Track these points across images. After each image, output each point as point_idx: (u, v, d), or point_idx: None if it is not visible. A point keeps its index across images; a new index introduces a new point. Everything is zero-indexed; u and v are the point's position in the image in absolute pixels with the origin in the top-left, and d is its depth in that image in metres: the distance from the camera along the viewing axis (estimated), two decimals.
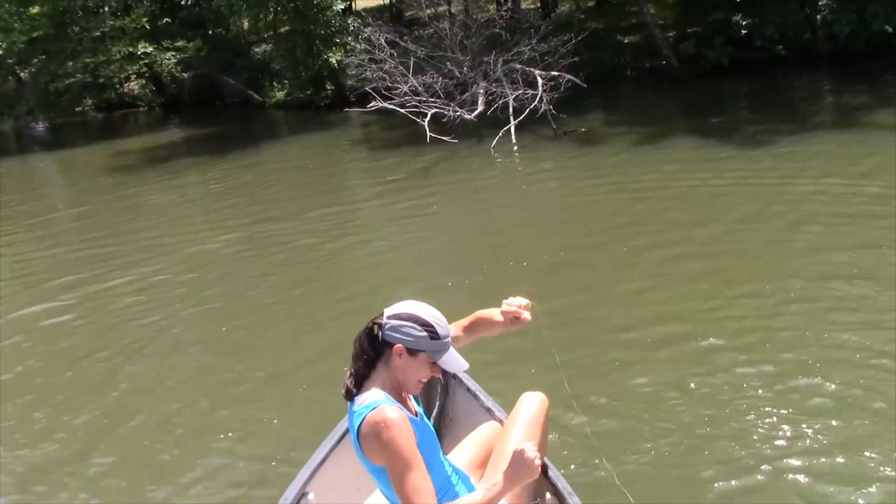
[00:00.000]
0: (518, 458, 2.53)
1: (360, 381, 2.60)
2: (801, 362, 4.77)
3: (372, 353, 2.60)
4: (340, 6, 18.78)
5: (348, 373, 2.64)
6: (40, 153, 21.51)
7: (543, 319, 3.13)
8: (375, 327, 2.60)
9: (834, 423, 4.15)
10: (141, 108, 26.61)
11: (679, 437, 4.18)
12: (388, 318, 2.59)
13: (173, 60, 20.46)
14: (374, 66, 14.18)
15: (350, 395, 2.61)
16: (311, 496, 3.05)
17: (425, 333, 2.55)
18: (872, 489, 3.64)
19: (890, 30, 14.62)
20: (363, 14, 18.17)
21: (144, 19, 19.51)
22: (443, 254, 8.08)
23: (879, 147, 9.53)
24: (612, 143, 12.07)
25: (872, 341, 4.90)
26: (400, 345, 2.55)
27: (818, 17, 15.60)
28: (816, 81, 15.28)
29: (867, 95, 13.04)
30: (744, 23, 16.30)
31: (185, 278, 8.20)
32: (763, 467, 3.85)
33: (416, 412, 2.72)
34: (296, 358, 5.80)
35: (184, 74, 23.35)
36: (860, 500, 3.58)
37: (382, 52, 14.11)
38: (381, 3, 27.08)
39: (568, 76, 13.12)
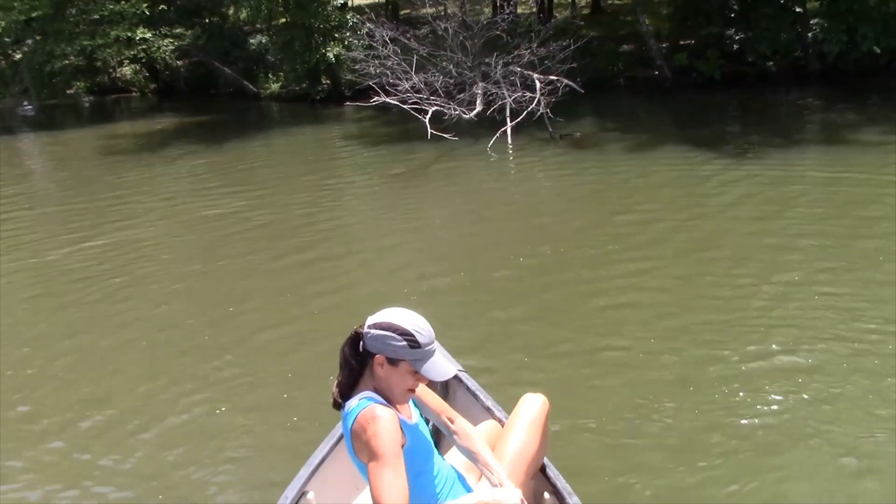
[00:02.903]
0: (504, 493, 2.63)
1: (345, 392, 2.60)
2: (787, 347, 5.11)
3: (355, 362, 2.59)
4: (340, 1, 18.93)
5: (335, 382, 2.64)
6: (30, 133, 21.49)
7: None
8: (358, 337, 2.59)
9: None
10: (133, 94, 26.58)
11: (682, 436, 4.28)
12: (369, 327, 2.56)
13: (170, 47, 20.47)
14: (376, 61, 14.34)
15: (337, 406, 2.62)
16: (310, 495, 3.06)
17: (405, 343, 2.50)
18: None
19: (878, 51, 14.99)
20: (366, 10, 18.27)
21: (144, 5, 19.51)
22: (436, 249, 8.24)
23: (864, 162, 9.90)
24: (605, 149, 12.35)
25: (847, 339, 5.20)
26: (381, 355, 2.53)
27: (809, 35, 15.96)
28: (805, 98, 15.58)
29: (854, 113, 13.38)
30: (737, 37, 16.63)
31: (170, 255, 8.49)
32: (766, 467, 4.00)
33: (410, 416, 2.70)
34: (294, 354, 5.78)
35: (178, 62, 23.35)
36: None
37: (385, 48, 14.28)
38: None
39: (566, 81, 13.36)
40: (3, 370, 5.82)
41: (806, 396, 4.56)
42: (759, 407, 4.50)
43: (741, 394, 4.65)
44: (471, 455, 2.89)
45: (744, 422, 4.38)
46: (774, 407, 4.49)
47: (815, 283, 6.23)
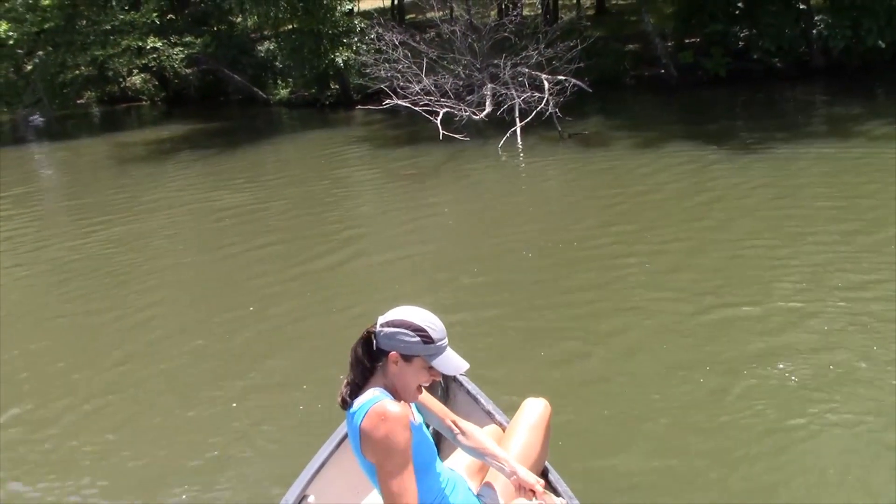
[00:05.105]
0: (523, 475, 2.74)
1: (355, 391, 2.61)
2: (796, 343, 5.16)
3: (368, 361, 2.61)
4: (348, 6, 19.13)
5: (344, 382, 2.64)
6: (43, 143, 21.75)
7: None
8: (370, 336, 2.61)
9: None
10: (143, 102, 26.85)
11: (689, 435, 4.27)
12: (382, 326, 2.58)
13: (180, 56, 20.70)
14: (386, 65, 14.54)
15: (346, 405, 2.62)
16: (311, 499, 3.06)
17: (418, 338, 2.54)
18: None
19: (883, 45, 15.11)
20: (374, 14, 18.48)
21: (154, 14, 19.77)
22: (448, 247, 8.34)
23: (870, 154, 10.03)
24: (614, 147, 12.47)
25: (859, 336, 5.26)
26: (395, 352, 2.55)
27: (814, 31, 16.06)
28: (811, 93, 15.69)
29: (860, 107, 13.47)
30: (741, 35, 16.77)
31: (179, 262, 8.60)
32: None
33: (414, 417, 2.71)
34: (297, 353, 5.79)
35: (186, 70, 23.60)
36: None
37: (396, 51, 14.48)
38: (382, 5, 27.41)
39: (574, 80, 13.54)
40: (6, 362, 6.02)
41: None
42: (768, 399, 4.51)
43: (756, 388, 4.66)
44: (478, 453, 2.92)
45: (758, 414, 4.38)
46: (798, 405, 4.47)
47: (830, 267, 6.34)
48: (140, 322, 6.71)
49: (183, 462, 4.52)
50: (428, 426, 2.91)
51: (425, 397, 2.88)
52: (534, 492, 2.75)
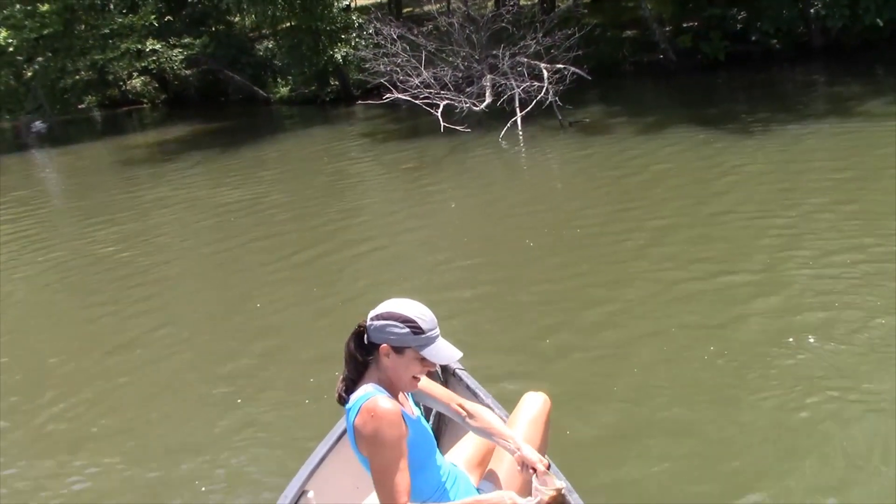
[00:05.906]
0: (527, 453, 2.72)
1: (350, 386, 2.64)
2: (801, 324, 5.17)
3: (360, 356, 2.63)
4: (345, 2, 19.17)
5: (340, 378, 2.67)
6: (46, 148, 21.87)
7: None
8: (362, 331, 2.64)
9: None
10: (144, 105, 26.93)
11: (688, 430, 4.19)
12: (372, 319, 2.60)
13: (180, 57, 20.75)
14: (385, 59, 14.58)
15: (343, 402, 2.65)
16: (310, 494, 3.05)
17: (407, 329, 2.55)
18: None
19: (881, 23, 15.06)
20: (371, 9, 18.52)
21: (152, 17, 19.82)
22: (451, 237, 8.37)
23: (870, 133, 10.02)
24: (615, 133, 12.49)
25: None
26: (386, 344, 2.57)
27: (812, 11, 16.01)
28: (810, 74, 15.66)
29: (859, 86, 13.46)
30: (739, 17, 16.73)
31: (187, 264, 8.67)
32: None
33: (413, 412, 2.73)
34: (303, 346, 5.78)
35: (186, 71, 23.67)
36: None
37: (394, 45, 14.53)
38: None
39: (573, 69, 13.57)
40: (8, 360, 6.12)
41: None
42: (765, 396, 4.40)
43: (767, 369, 4.61)
44: (485, 433, 2.94)
45: (770, 396, 4.33)
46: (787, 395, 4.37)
47: (839, 252, 6.30)
48: (144, 319, 6.77)
49: (183, 457, 4.54)
50: (428, 419, 2.95)
51: (428, 384, 2.91)
52: (535, 470, 2.77)
